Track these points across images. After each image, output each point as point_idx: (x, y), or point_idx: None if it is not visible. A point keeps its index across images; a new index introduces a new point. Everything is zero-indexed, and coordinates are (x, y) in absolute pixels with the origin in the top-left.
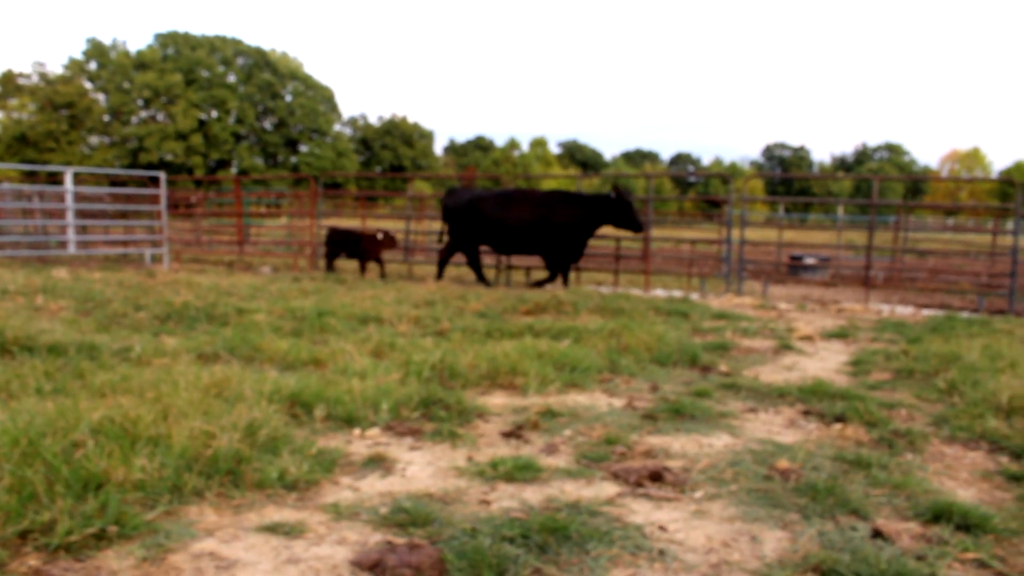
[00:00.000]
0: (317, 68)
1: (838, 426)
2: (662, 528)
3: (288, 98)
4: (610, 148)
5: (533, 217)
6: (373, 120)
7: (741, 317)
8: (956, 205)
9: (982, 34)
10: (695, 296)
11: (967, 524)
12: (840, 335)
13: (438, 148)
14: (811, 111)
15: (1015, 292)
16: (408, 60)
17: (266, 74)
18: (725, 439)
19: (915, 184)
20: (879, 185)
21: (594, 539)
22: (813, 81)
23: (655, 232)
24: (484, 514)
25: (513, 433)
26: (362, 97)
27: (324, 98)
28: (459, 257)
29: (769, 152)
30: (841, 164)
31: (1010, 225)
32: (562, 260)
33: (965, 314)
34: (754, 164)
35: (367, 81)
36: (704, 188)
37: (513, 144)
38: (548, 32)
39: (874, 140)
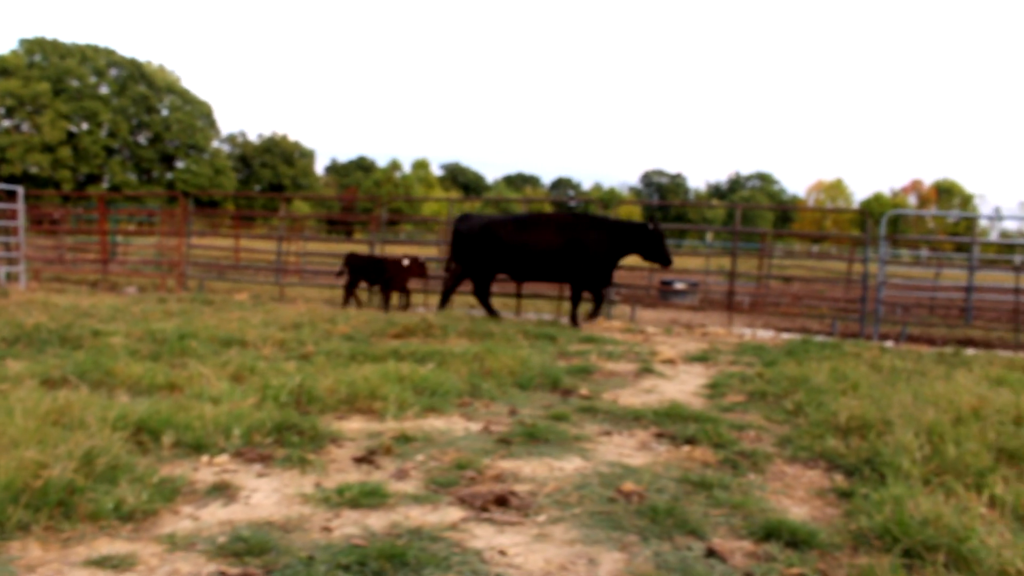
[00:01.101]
0: (195, 82)
1: (687, 448)
2: (502, 552)
3: (164, 112)
4: (492, 171)
5: (561, 241)
6: (253, 137)
7: (608, 341)
8: (821, 233)
9: (846, 73)
10: (565, 320)
11: (796, 540)
12: (701, 358)
13: (319, 167)
14: (688, 140)
15: (865, 316)
16: (290, 77)
17: (141, 87)
18: (576, 462)
19: (784, 212)
20: (752, 213)
21: (431, 565)
22: (690, 111)
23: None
24: (324, 541)
25: (365, 459)
26: (242, 114)
27: (202, 113)
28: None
29: (647, 179)
30: (716, 192)
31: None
32: (592, 287)
33: (820, 338)
34: (632, 190)
35: (247, 97)
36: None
37: (395, 165)
38: (431, 53)
39: (747, 169)
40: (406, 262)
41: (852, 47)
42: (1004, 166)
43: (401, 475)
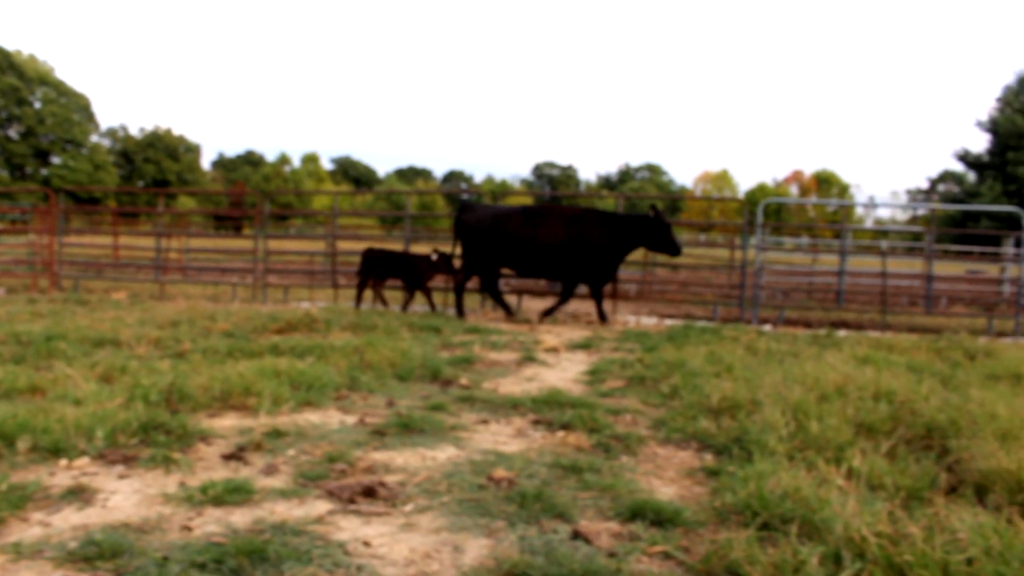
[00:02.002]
0: (71, 74)
1: (562, 434)
2: (366, 544)
3: (37, 105)
4: (384, 164)
5: (568, 236)
6: (134, 132)
7: (493, 331)
8: (707, 222)
9: (730, 67)
10: (452, 311)
11: (661, 520)
12: (584, 346)
13: (205, 162)
14: (579, 133)
15: (744, 302)
16: (173, 70)
17: (10, 77)
18: (449, 451)
19: (672, 202)
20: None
21: (292, 559)
22: (581, 104)
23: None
24: (183, 541)
25: (234, 455)
26: (122, 107)
27: (79, 106)
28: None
29: (539, 170)
30: (606, 183)
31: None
32: (598, 282)
33: (702, 323)
34: (524, 182)
35: (127, 90)
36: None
37: (284, 159)
38: (319, 45)
39: (636, 161)
40: (434, 257)
41: (735, 43)
42: (878, 158)
43: (270, 470)
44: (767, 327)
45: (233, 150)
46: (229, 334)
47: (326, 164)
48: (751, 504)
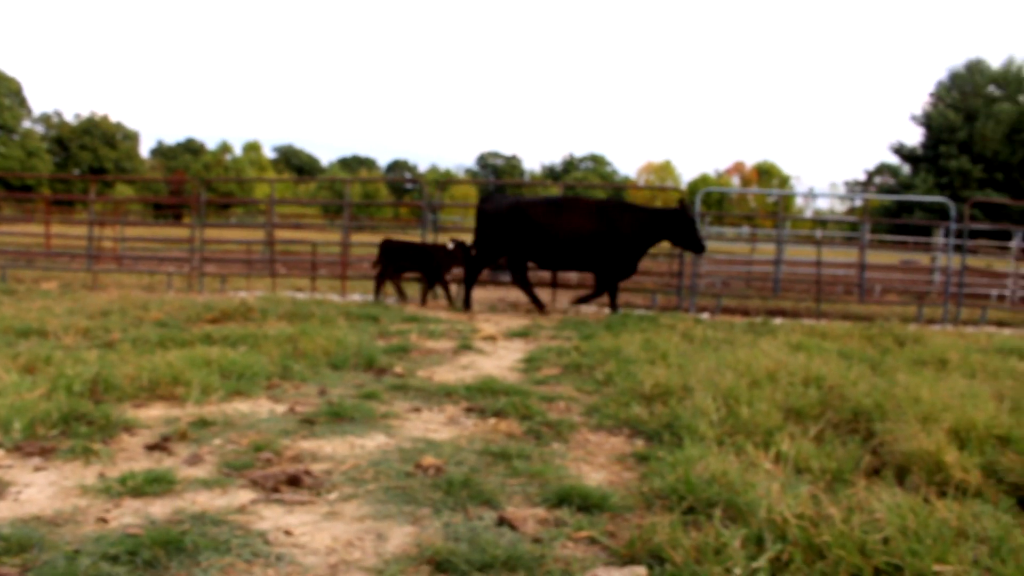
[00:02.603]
0: (0, 57)
1: (494, 421)
2: (287, 533)
3: None
4: (327, 153)
5: (595, 227)
6: (70, 118)
7: (432, 320)
8: None
9: (673, 60)
10: (391, 300)
11: (588, 505)
12: (522, 334)
13: (144, 150)
14: (523, 123)
15: (683, 290)
16: (110, 54)
17: None
18: (379, 439)
19: (616, 192)
20: (585, 193)
21: (209, 549)
22: (526, 95)
23: (357, 238)
24: (97, 533)
25: (158, 446)
26: (57, 92)
27: (10, 91)
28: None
29: (483, 160)
30: (550, 173)
31: None
32: (617, 276)
33: (640, 311)
34: (469, 171)
35: (62, 75)
36: (419, 194)
37: (225, 147)
38: (260, 31)
39: (580, 151)
40: (451, 246)
41: (679, 36)
42: (818, 150)
43: (194, 460)
44: (705, 315)
45: (173, 138)
46: (162, 324)
47: (268, 152)
48: (678, 489)
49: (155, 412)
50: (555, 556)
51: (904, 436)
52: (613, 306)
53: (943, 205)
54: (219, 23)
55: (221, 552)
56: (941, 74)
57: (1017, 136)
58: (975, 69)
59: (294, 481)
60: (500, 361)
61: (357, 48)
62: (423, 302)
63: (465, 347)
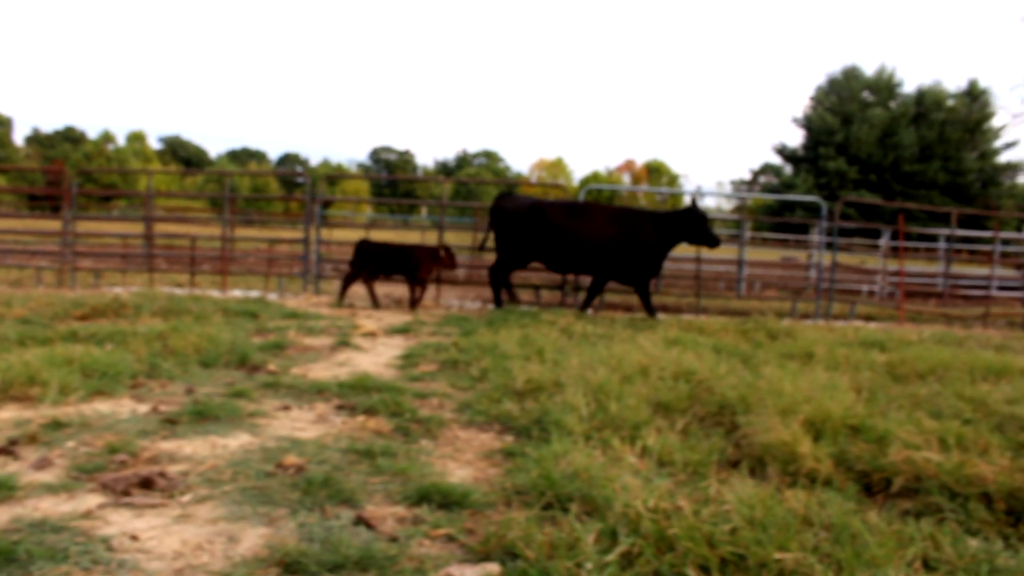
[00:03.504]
0: None
1: (363, 418)
2: (133, 537)
3: None
4: (216, 145)
5: (615, 233)
6: None
7: (312, 316)
8: None
9: (566, 57)
10: (274, 296)
11: (449, 502)
12: (403, 330)
13: (18, 138)
14: (416, 118)
15: (567, 286)
16: None
17: None
18: (243, 439)
19: (509, 188)
20: (478, 189)
21: (44, 558)
22: (419, 89)
23: (245, 232)
24: None
25: (3, 450)
26: None
27: None
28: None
29: (376, 155)
30: (443, 168)
31: None
32: (640, 281)
33: (524, 308)
34: (361, 166)
35: None
36: (314, 189)
37: (107, 137)
38: (146, 16)
39: (474, 147)
40: (443, 253)
41: (572, 35)
42: (706, 150)
43: (42, 464)
44: (588, 311)
45: (51, 125)
46: (24, 321)
47: (154, 143)
48: (538, 484)
49: (5, 415)
50: (410, 555)
51: (763, 428)
52: (649, 311)
53: (817, 204)
54: (102, 5)
55: (57, 560)
56: (821, 79)
57: (889, 140)
58: (851, 75)
59: (147, 483)
60: (378, 358)
61: (249, 38)
62: (412, 305)
63: (343, 344)
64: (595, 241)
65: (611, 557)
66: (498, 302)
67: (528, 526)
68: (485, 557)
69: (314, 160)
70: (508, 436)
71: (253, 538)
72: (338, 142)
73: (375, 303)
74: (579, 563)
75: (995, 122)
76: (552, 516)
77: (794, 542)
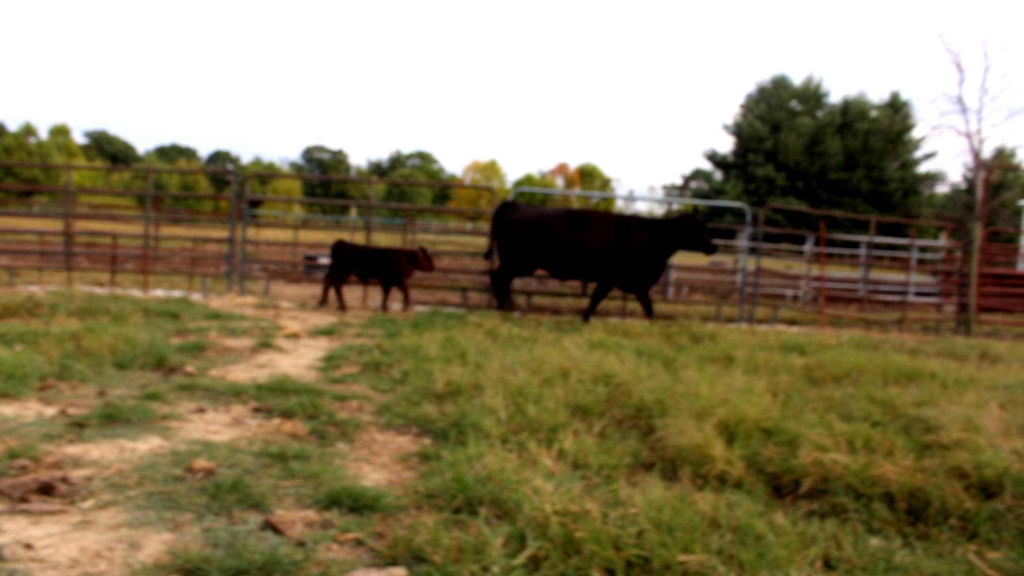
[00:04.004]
0: None
1: (278, 421)
2: (28, 546)
3: None
4: (144, 141)
5: (616, 242)
6: None
7: (236, 317)
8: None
9: (499, 61)
10: (198, 296)
11: (360, 506)
12: (328, 332)
13: None
14: (350, 118)
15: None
16: None
17: None
18: (154, 442)
19: (443, 190)
20: (411, 190)
21: None
22: (353, 89)
23: (171, 231)
24: None
25: None
26: None
27: None
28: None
29: (309, 154)
30: (377, 169)
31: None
32: (645, 286)
33: (451, 309)
34: (293, 165)
35: None
36: (241, 188)
37: (29, 130)
38: (71, 6)
39: (408, 148)
40: (421, 255)
41: (506, 39)
42: (639, 155)
43: None
44: (516, 314)
45: None
46: None
47: (78, 138)
48: (451, 488)
49: None
50: (317, 560)
51: (677, 431)
52: (649, 314)
53: (743, 210)
54: None
55: None
56: (751, 87)
57: (815, 148)
58: (780, 84)
59: (47, 489)
60: (300, 360)
61: (181, 32)
62: (405, 304)
63: (265, 345)
64: (598, 249)
65: (518, 560)
66: (501, 305)
67: (436, 529)
68: (392, 561)
69: (246, 158)
70: (426, 439)
71: (155, 544)
72: (271, 141)
73: (342, 306)
74: (485, 567)
75: (915, 133)
76: (462, 520)
77: (699, 544)
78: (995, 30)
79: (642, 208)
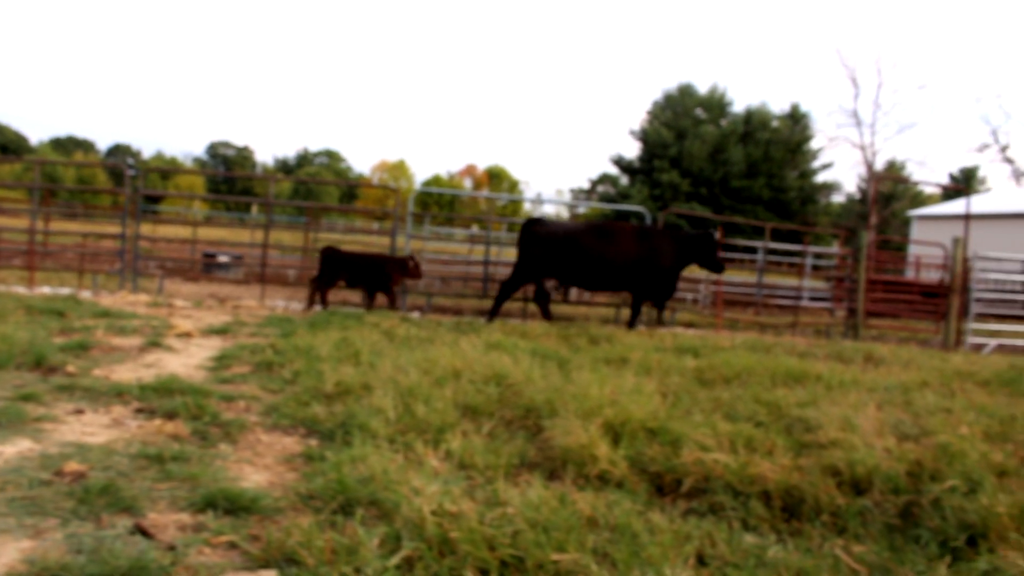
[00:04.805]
0: None
1: (160, 422)
2: None
3: None
4: (37, 132)
5: (638, 253)
6: None
7: (126, 315)
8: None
9: (409, 61)
10: (88, 294)
11: (237, 508)
12: (221, 331)
13: None
14: (256, 114)
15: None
16: None
17: None
18: (23, 445)
19: (350, 189)
20: (318, 189)
21: None
22: (259, 85)
23: (65, 226)
24: None
25: None
26: None
27: None
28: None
29: (213, 150)
30: (283, 166)
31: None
32: (660, 296)
33: (350, 309)
34: (197, 160)
35: None
36: (136, 182)
37: None
38: None
39: (315, 146)
40: (410, 263)
41: (413, 39)
42: (547, 158)
43: None
44: (415, 314)
45: None
46: None
47: None
48: (331, 489)
49: None
50: (186, 563)
51: (563, 431)
52: (660, 320)
53: (643, 215)
54: None
55: None
56: (658, 94)
57: (719, 156)
58: (685, 92)
59: None
60: (189, 359)
61: (82, 20)
62: (392, 307)
63: (154, 344)
64: (620, 262)
65: (392, 561)
66: (494, 314)
67: (310, 531)
68: (265, 564)
69: (147, 152)
70: (312, 440)
71: (12, 552)
72: (175, 135)
73: (320, 304)
74: (359, 568)
75: (814, 144)
76: (341, 521)
77: (575, 543)
78: (888, 48)
79: (549, 211)
